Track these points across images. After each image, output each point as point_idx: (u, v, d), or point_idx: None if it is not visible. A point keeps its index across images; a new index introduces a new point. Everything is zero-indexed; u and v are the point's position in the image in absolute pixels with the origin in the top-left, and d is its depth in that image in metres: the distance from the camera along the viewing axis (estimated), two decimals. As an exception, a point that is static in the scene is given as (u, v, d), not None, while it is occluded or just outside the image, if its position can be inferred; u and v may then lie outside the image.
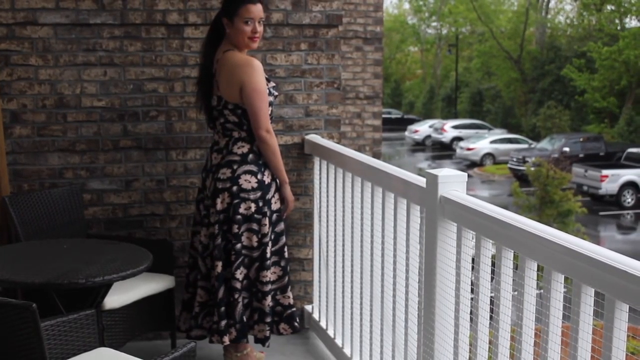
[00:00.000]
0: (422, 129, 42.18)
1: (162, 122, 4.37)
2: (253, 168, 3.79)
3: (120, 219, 4.39)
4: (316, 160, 4.43)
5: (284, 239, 3.94)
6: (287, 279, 3.95)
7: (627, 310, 1.97)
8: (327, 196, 4.23)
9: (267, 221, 3.79)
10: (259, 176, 3.79)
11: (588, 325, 2.12)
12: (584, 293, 2.12)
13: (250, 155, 3.80)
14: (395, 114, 50.29)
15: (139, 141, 4.36)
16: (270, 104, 3.81)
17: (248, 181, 3.77)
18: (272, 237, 3.87)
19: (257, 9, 3.74)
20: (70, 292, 3.46)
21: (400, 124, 46.21)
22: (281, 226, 3.93)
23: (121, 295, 3.73)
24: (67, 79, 4.23)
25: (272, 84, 3.88)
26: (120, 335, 3.78)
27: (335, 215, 4.10)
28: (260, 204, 3.78)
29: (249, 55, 3.82)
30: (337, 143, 4.43)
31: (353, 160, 3.79)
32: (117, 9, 4.23)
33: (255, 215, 3.77)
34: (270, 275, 3.86)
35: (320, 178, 4.37)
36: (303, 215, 4.56)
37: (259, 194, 3.78)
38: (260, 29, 3.77)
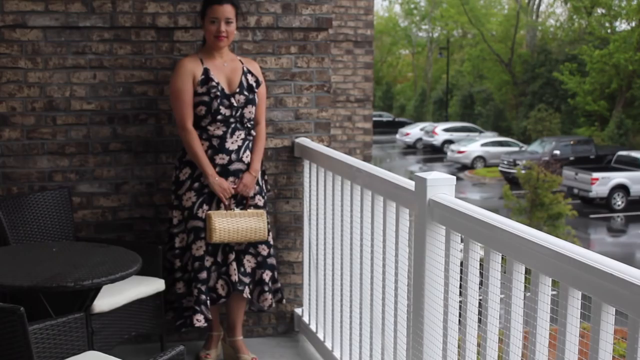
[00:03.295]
0: (413, 132, 42.24)
1: (152, 125, 4.36)
2: (177, 163, 4.13)
3: (110, 222, 4.38)
4: (306, 164, 4.43)
5: (192, 237, 4.05)
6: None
7: (614, 313, 1.98)
8: (317, 199, 4.23)
9: (178, 214, 4.09)
10: (177, 172, 4.10)
11: (575, 328, 2.13)
12: (571, 296, 2.13)
13: (180, 152, 4.13)
14: (387, 117, 50.37)
15: (128, 144, 4.35)
16: (205, 103, 3.98)
17: (172, 175, 4.17)
18: (188, 232, 4.07)
19: (223, 9, 3.93)
20: (59, 296, 3.44)
21: (392, 127, 46.27)
22: (191, 224, 4.03)
23: (110, 299, 3.72)
24: (57, 82, 4.22)
25: (215, 82, 3.99)
26: (109, 339, 3.77)
27: (325, 218, 4.11)
28: (174, 197, 4.11)
29: (191, 56, 4.07)
30: (327, 146, 4.43)
31: (343, 164, 3.80)
32: (107, 12, 4.22)
33: (172, 207, 4.13)
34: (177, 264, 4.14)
35: (310, 181, 4.37)
36: (293, 218, 4.56)
37: (174, 188, 4.11)
38: (226, 28, 3.96)
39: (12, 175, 4.24)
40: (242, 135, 4.05)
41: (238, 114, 4.03)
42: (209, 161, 3.98)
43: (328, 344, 4.12)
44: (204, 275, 4.02)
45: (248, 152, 4.07)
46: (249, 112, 4.06)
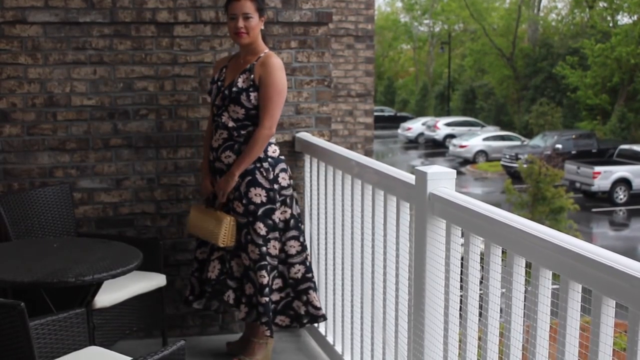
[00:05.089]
0: (415, 126, 42.19)
1: (153, 121, 4.36)
2: None
3: (111, 217, 4.38)
4: (307, 158, 4.43)
5: None
6: None
7: (614, 306, 1.98)
8: (318, 194, 4.23)
9: None
10: None
11: (576, 321, 2.13)
12: (572, 289, 2.13)
13: None
14: (388, 111, 50.35)
15: (129, 140, 4.35)
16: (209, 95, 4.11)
17: None
18: None
19: (240, 5, 3.83)
20: (61, 291, 3.45)
21: (393, 122, 46.25)
22: None
23: (112, 294, 3.72)
24: (57, 78, 4.22)
25: (215, 80, 4.05)
26: (110, 334, 3.77)
27: (325, 212, 4.11)
28: None
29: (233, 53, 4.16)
30: (328, 141, 4.43)
31: (343, 158, 3.79)
32: (107, 8, 4.22)
33: None
34: None
35: (310, 176, 4.37)
36: (294, 213, 4.55)
37: None
38: (245, 23, 3.84)
39: (13, 171, 4.24)
40: (224, 135, 3.94)
41: (219, 112, 3.96)
42: (206, 157, 4.08)
43: (329, 339, 4.12)
44: (194, 264, 4.18)
45: (228, 153, 3.93)
46: (234, 111, 3.90)
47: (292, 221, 3.98)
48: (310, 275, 4.03)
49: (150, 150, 4.38)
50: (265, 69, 3.87)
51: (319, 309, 4.01)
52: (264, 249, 3.89)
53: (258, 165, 3.89)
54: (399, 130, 43.45)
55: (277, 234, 3.94)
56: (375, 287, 3.45)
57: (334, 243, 3.98)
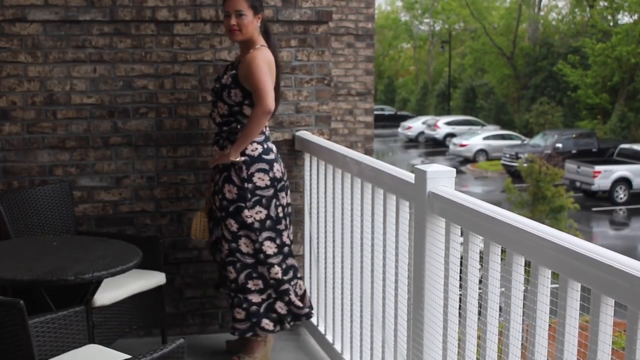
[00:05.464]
0: (415, 125, 42.19)
1: (152, 119, 4.36)
2: None
3: (111, 216, 4.38)
4: (306, 157, 4.43)
5: None
6: None
7: (613, 305, 1.98)
8: (318, 193, 4.23)
9: None
10: None
11: (575, 320, 2.13)
12: (571, 288, 2.13)
13: None
14: (389, 110, 50.33)
15: (129, 138, 4.35)
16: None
17: None
18: None
19: (232, 2, 3.85)
20: (60, 289, 3.45)
21: (394, 121, 46.24)
22: None
23: (111, 292, 3.72)
24: (57, 76, 4.22)
25: (220, 74, 4.10)
26: (110, 332, 3.77)
27: (325, 211, 4.11)
28: None
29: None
30: (328, 140, 4.43)
31: (343, 157, 3.79)
32: (107, 6, 4.21)
33: None
34: None
35: (310, 175, 4.37)
36: (294, 212, 4.54)
37: None
38: (237, 21, 3.84)
39: (13, 170, 4.24)
40: (216, 130, 4.03)
41: (212, 107, 4.03)
42: None
43: (329, 337, 4.12)
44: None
45: (215, 148, 4.00)
46: (220, 107, 3.96)
47: (267, 222, 3.91)
48: (290, 276, 3.99)
49: (150, 149, 4.38)
50: (246, 62, 3.86)
51: (301, 308, 4.00)
52: (234, 245, 3.90)
53: (235, 162, 3.89)
54: (399, 129, 43.46)
55: (249, 233, 3.89)
56: (375, 285, 3.45)
57: (333, 242, 3.98)
